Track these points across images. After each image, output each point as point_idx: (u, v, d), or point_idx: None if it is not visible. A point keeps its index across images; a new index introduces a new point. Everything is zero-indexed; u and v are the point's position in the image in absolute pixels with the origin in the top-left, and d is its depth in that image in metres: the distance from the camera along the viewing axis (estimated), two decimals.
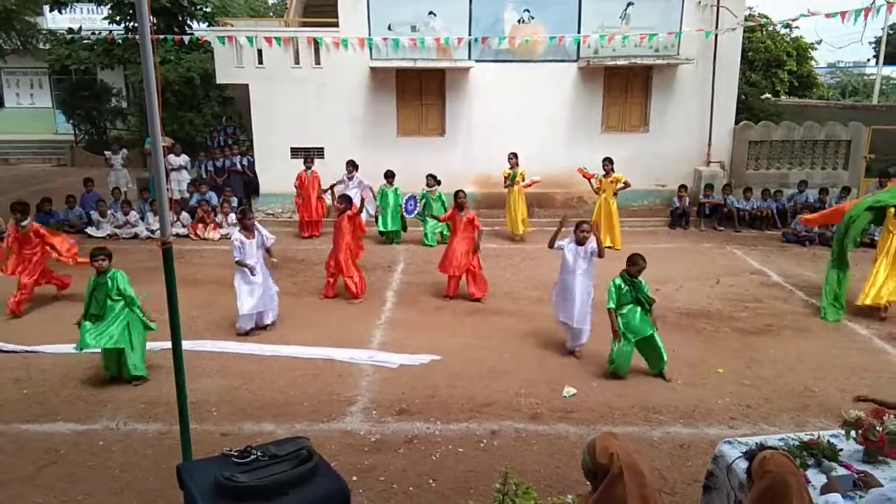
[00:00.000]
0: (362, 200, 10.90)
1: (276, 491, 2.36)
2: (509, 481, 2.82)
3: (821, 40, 23.44)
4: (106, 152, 16.38)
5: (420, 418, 6.45)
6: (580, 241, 7.63)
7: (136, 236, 13.47)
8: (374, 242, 13.24)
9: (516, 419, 6.44)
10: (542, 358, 7.87)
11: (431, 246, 12.89)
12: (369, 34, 14.42)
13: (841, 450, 4.11)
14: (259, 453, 2.52)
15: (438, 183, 13.10)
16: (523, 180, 13.26)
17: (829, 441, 4.16)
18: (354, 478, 5.40)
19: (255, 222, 8.68)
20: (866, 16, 10.95)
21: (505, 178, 13.35)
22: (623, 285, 7.09)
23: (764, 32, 21.93)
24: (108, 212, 13.73)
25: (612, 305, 7.08)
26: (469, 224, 9.80)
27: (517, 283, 10.64)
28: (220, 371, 7.43)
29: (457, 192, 10.13)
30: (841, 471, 3.92)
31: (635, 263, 7.05)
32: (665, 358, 7.26)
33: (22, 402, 6.73)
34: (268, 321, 8.71)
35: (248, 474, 2.40)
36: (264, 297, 8.53)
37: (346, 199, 10.04)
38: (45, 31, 17.41)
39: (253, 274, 8.33)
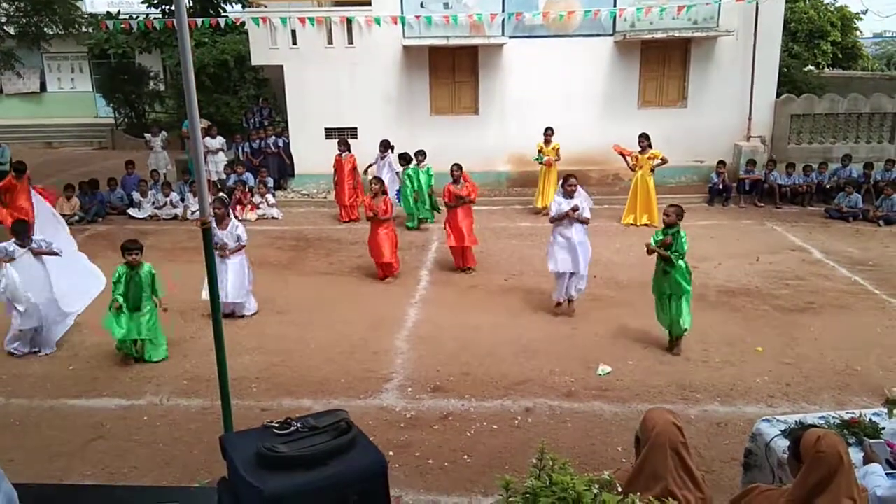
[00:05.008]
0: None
1: (315, 461, 2.41)
2: (546, 457, 2.82)
3: (867, 9, 22.59)
4: (146, 135, 16.64)
5: (455, 395, 6.51)
6: (568, 195, 8.19)
7: (175, 217, 13.72)
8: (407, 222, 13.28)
9: (550, 397, 6.46)
10: (575, 336, 7.85)
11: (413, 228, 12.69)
12: (402, 12, 14.34)
13: (883, 428, 4.05)
14: (299, 425, 2.57)
15: (409, 161, 12.70)
16: (555, 154, 13.13)
17: (870, 419, 4.10)
18: (391, 453, 5.49)
19: (233, 217, 8.33)
20: None
21: (539, 151, 13.24)
22: (658, 232, 7.26)
23: (807, 2, 21.29)
24: (150, 192, 14.02)
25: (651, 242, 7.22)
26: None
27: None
28: (259, 348, 7.58)
29: (451, 167, 10.19)
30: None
31: (665, 213, 7.23)
32: (684, 324, 7.18)
33: (69, 379, 6.96)
34: (245, 312, 8.47)
35: (289, 445, 2.46)
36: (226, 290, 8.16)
37: (379, 181, 10.04)
38: (87, 15, 17.63)
39: (223, 251, 7.73)
